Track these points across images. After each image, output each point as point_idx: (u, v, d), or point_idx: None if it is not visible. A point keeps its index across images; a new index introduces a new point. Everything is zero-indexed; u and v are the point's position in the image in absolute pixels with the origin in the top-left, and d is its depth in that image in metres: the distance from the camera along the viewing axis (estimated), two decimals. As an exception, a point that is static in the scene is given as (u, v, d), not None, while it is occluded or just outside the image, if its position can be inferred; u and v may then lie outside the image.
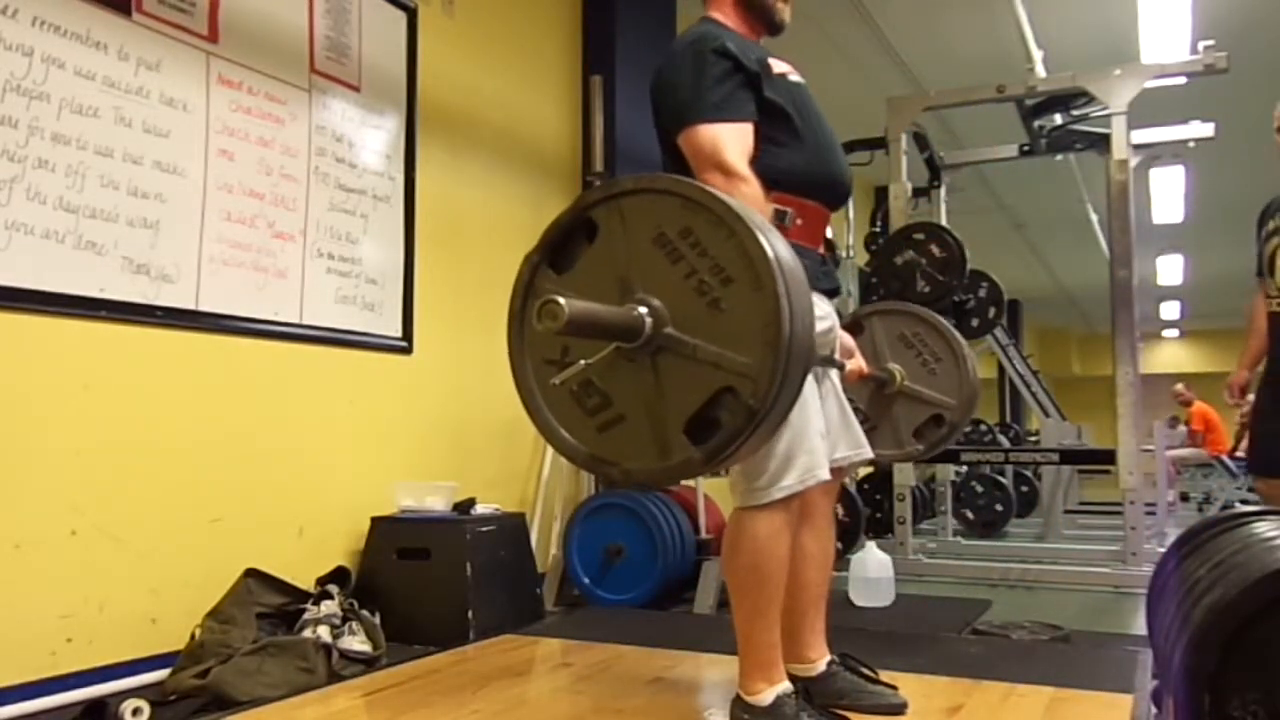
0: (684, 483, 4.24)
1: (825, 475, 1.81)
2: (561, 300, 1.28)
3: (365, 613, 2.81)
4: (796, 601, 1.92)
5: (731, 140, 1.76)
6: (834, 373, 2.01)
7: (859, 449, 2.03)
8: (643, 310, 1.40)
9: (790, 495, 1.74)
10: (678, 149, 1.83)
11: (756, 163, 1.80)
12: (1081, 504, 7.92)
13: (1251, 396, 3.23)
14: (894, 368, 2.49)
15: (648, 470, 1.46)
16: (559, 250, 1.52)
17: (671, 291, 1.40)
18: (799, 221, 1.84)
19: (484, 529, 3.16)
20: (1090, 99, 4.27)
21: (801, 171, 1.86)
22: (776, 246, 1.36)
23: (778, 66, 1.90)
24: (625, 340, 1.41)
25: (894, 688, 1.99)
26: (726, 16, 1.98)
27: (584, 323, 1.34)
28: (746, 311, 1.34)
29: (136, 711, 2.18)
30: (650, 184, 1.46)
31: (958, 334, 2.52)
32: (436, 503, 3.23)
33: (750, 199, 1.71)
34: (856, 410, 2.13)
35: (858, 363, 2.17)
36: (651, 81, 1.92)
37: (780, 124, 1.85)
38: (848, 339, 2.19)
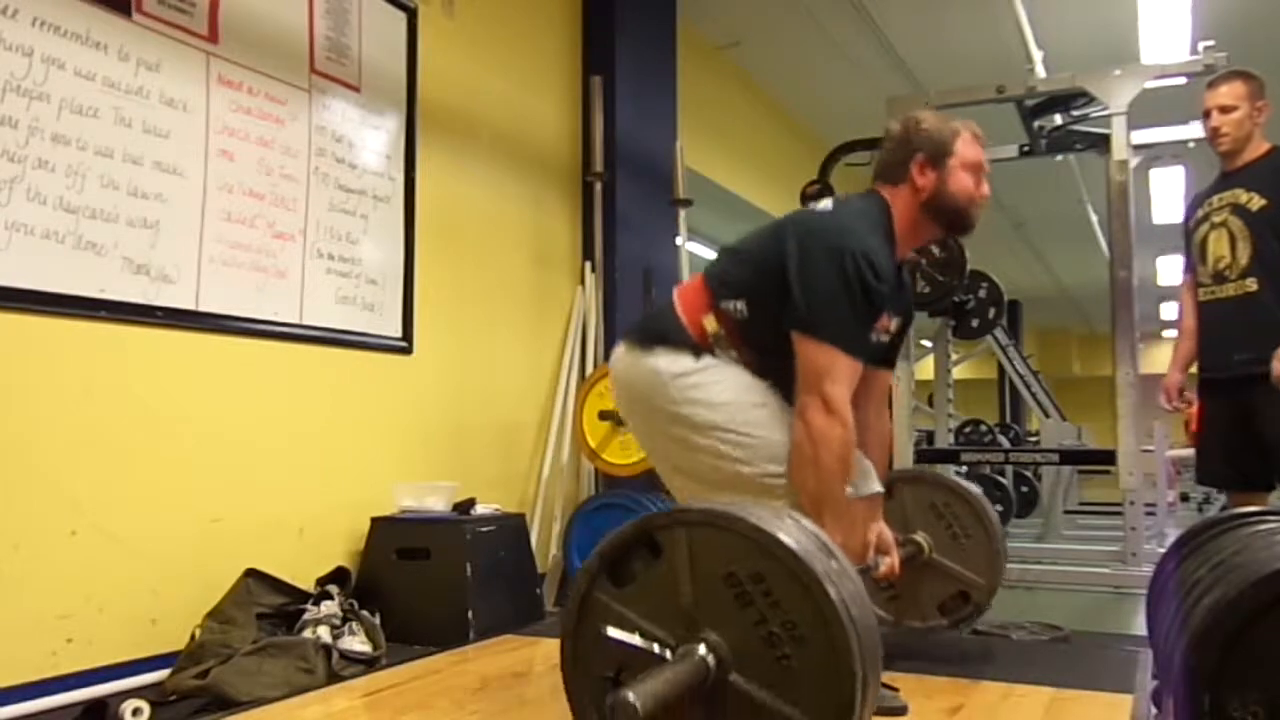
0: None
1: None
2: (634, 699, 1.17)
3: (365, 613, 2.81)
4: None
5: (846, 376, 1.78)
6: None
7: None
8: (707, 654, 1.29)
9: None
10: (778, 282, 1.84)
11: (753, 345, 1.88)
12: (1081, 504, 7.93)
13: (1190, 395, 3.24)
14: (922, 539, 2.42)
15: None
16: (618, 563, 1.40)
17: (739, 635, 1.29)
18: None
19: (484, 529, 3.16)
20: (1090, 99, 4.27)
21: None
22: (852, 607, 1.26)
23: (883, 322, 1.94)
24: (691, 689, 1.29)
25: (894, 688, 1.98)
26: (898, 207, 1.95)
27: (657, 703, 1.22)
28: (819, 674, 1.24)
29: (136, 712, 2.19)
30: (722, 520, 1.34)
31: (990, 510, 2.44)
32: (436, 503, 3.23)
33: (840, 441, 1.76)
34: (883, 580, 2.11)
35: (890, 564, 2.10)
36: (802, 233, 1.87)
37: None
38: (887, 535, 2.12)
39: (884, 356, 2.09)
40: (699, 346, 1.90)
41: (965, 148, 1.97)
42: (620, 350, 2.02)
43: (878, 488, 2.10)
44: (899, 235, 1.96)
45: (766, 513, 1.35)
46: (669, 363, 1.90)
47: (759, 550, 1.28)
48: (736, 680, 1.29)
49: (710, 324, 1.91)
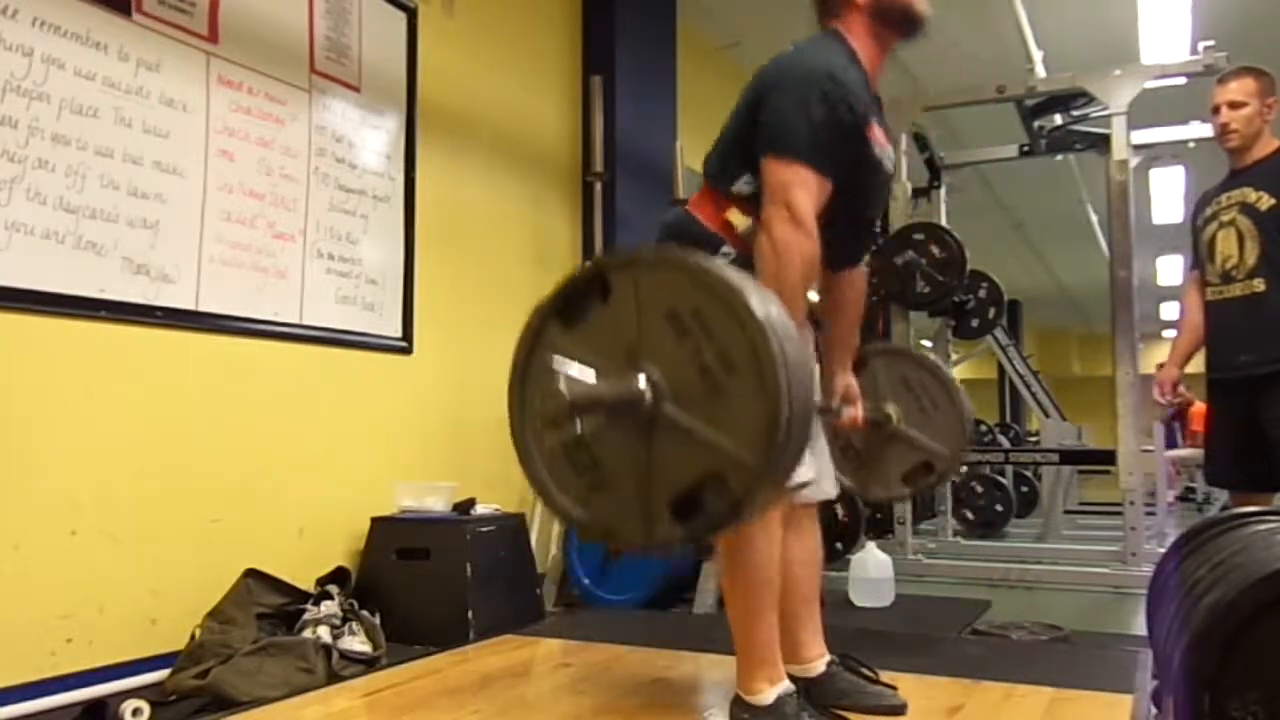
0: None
1: (828, 493, 1.87)
2: (562, 386, 1.32)
3: (365, 613, 2.81)
4: (787, 602, 1.92)
5: (811, 187, 1.74)
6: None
7: (829, 489, 2.03)
8: (644, 384, 1.40)
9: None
10: (754, 130, 1.82)
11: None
12: (1081, 504, 7.93)
13: (1188, 393, 3.24)
14: (891, 409, 2.48)
15: (629, 539, 1.47)
16: (571, 304, 1.52)
17: (676, 367, 1.39)
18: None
19: (484, 529, 3.16)
20: (1090, 99, 4.27)
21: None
22: (784, 342, 1.34)
23: (877, 136, 1.88)
24: (624, 412, 1.41)
25: (894, 688, 1.98)
26: (855, 34, 1.93)
27: (586, 405, 1.37)
28: (746, 403, 1.33)
29: (136, 712, 2.19)
30: (670, 260, 1.47)
31: (959, 386, 2.51)
32: (436, 503, 3.23)
33: (803, 251, 1.71)
34: (849, 447, 2.14)
35: (854, 413, 2.14)
36: (758, 84, 1.86)
37: (854, 178, 1.83)
38: (854, 386, 2.15)
39: (881, 188, 2.02)
40: (740, 262, 1.80)
41: None
42: None
43: (831, 492, 2.08)
44: (865, 60, 1.93)
45: (713, 260, 1.47)
46: None
47: (700, 286, 1.38)
48: (670, 410, 1.39)
49: (737, 219, 1.86)
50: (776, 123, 1.79)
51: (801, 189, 1.73)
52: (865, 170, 1.86)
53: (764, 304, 1.36)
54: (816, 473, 1.95)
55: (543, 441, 1.50)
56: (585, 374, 1.43)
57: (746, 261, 1.80)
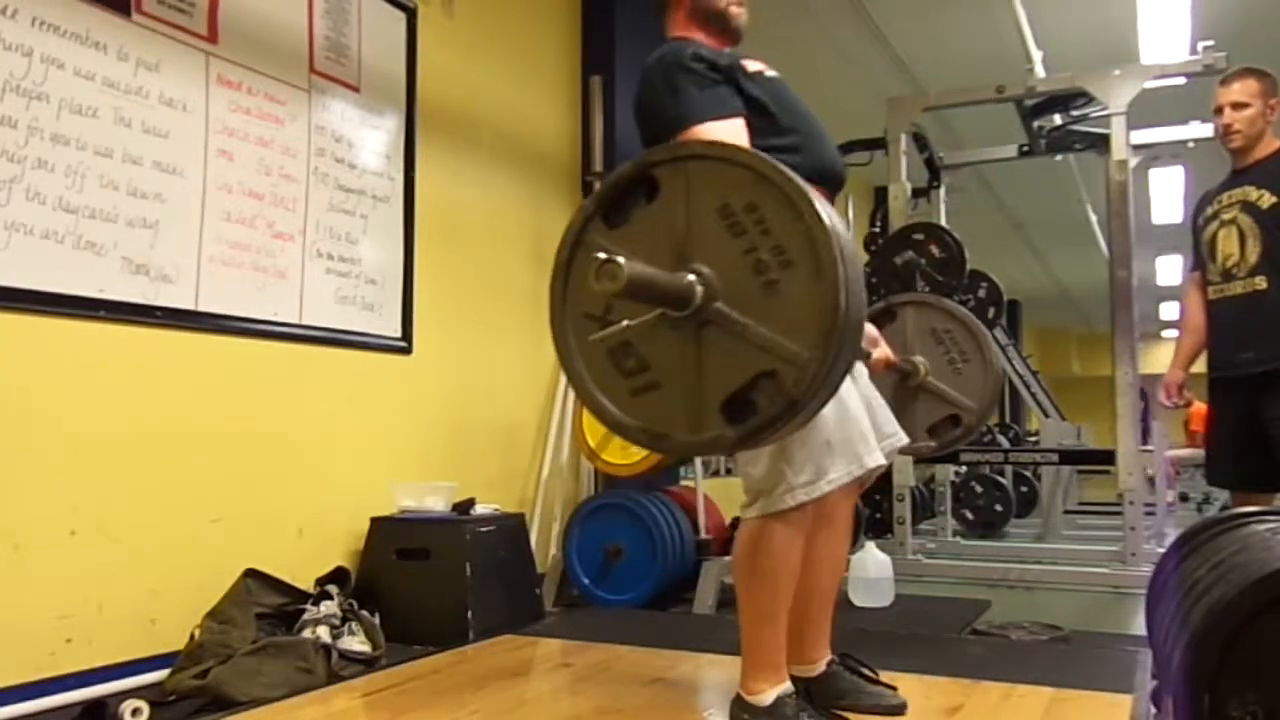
0: (684, 483, 4.24)
1: (877, 460, 1.83)
2: (622, 260, 1.24)
3: (365, 613, 2.81)
4: (806, 605, 1.91)
5: (731, 137, 1.75)
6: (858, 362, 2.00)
7: (895, 435, 2.03)
8: (694, 279, 1.35)
9: (822, 496, 1.74)
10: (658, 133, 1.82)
11: None
12: (1081, 504, 7.92)
13: (1190, 394, 3.24)
14: (919, 361, 2.46)
15: (677, 441, 1.41)
16: (614, 204, 1.46)
17: (727, 265, 1.35)
18: None
19: (484, 529, 3.16)
20: (1090, 99, 4.27)
21: (799, 162, 1.84)
22: (841, 235, 1.31)
23: (751, 65, 1.90)
24: (674, 309, 1.36)
25: (894, 688, 1.98)
26: (691, 34, 1.97)
27: (641, 287, 1.30)
28: (803, 298, 1.29)
29: (136, 712, 2.18)
30: (722, 151, 1.42)
31: (990, 337, 2.49)
32: (436, 503, 3.23)
33: None
34: (875, 370, 2.13)
35: (884, 351, 2.15)
36: (635, 108, 1.90)
37: (766, 119, 1.84)
38: (872, 329, 2.16)
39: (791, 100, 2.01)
40: None
41: None
42: None
43: (903, 439, 2.08)
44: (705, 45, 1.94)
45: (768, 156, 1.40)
46: None
47: (756, 179, 1.34)
48: (721, 308, 1.35)
49: None
50: (658, 114, 1.82)
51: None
52: (762, 94, 1.86)
53: (818, 199, 1.33)
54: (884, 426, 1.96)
55: (586, 340, 1.44)
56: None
57: None
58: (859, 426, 1.81)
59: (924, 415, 2.49)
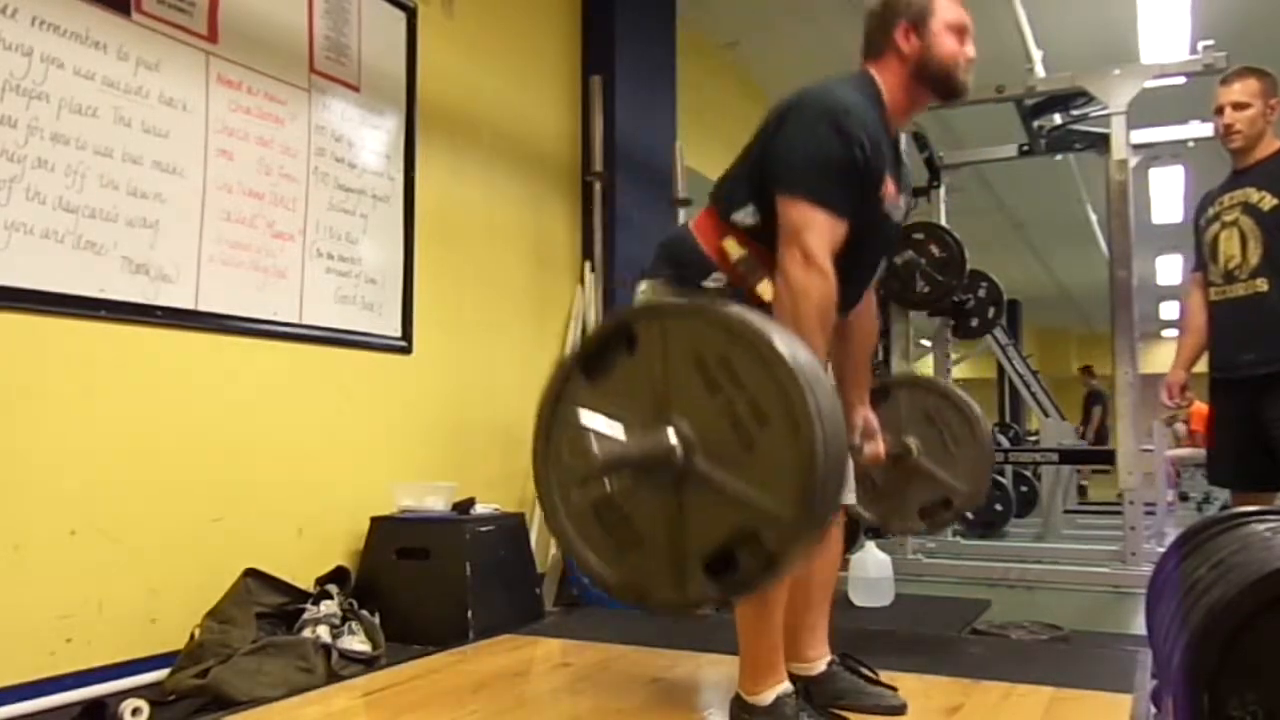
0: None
1: (849, 500, 1.89)
2: (595, 449, 1.28)
3: (365, 613, 2.81)
4: (800, 602, 1.92)
5: (825, 230, 1.74)
6: None
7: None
8: (674, 439, 1.35)
9: None
10: (766, 167, 1.81)
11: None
12: (1081, 503, 7.92)
13: (1191, 394, 3.24)
14: (912, 442, 2.43)
15: (661, 599, 1.41)
16: (595, 357, 1.46)
17: (706, 420, 1.34)
18: None
19: (484, 529, 3.16)
20: (1090, 99, 4.27)
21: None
22: (818, 390, 1.29)
23: (890, 190, 1.88)
24: (654, 468, 1.36)
25: (894, 688, 1.99)
26: (887, 80, 1.92)
27: (616, 465, 1.33)
28: (780, 455, 1.28)
29: (136, 711, 2.18)
30: (696, 309, 1.42)
31: (984, 421, 2.46)
32: (436, 503, 3.23)
33: (819, 294, 1.71)
34: (867, 477, 2.12)
35: (876, 448, 2.12)
36: (774, 118, 1.84)
37: (845, 246, 1.81)
38: (873, 420, 2.14)
39: (889, 238, 2.03)
40: (728, 291, 1.83)
41: (945, 9, 1.92)
42: (644, 287, 1.98)
43: (850, 499, 2.07)
44: (891, 106, 1.91)
45: (741, 307, 1.41)
46: None
47: (727, 333, 1.33)
48: (701, 464, 1.34)
49: (732, 248, 1.85)
50: (791, 159, 1.77)
51: (815, 231, 1.72)
52: (872, 216, 1.84)
53: (793, 350, 1.31)
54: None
55: (570, 498, 1.44)
56: (613, 428, 1.37)
57: (736, 292, 1.82)
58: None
59: (916, 496, 2.47)
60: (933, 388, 2.55)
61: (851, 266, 1.83)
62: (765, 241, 1.81)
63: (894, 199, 1.91)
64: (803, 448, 1.26)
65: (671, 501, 1.36)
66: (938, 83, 1.92)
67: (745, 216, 1.85)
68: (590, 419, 1.37)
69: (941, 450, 2.44)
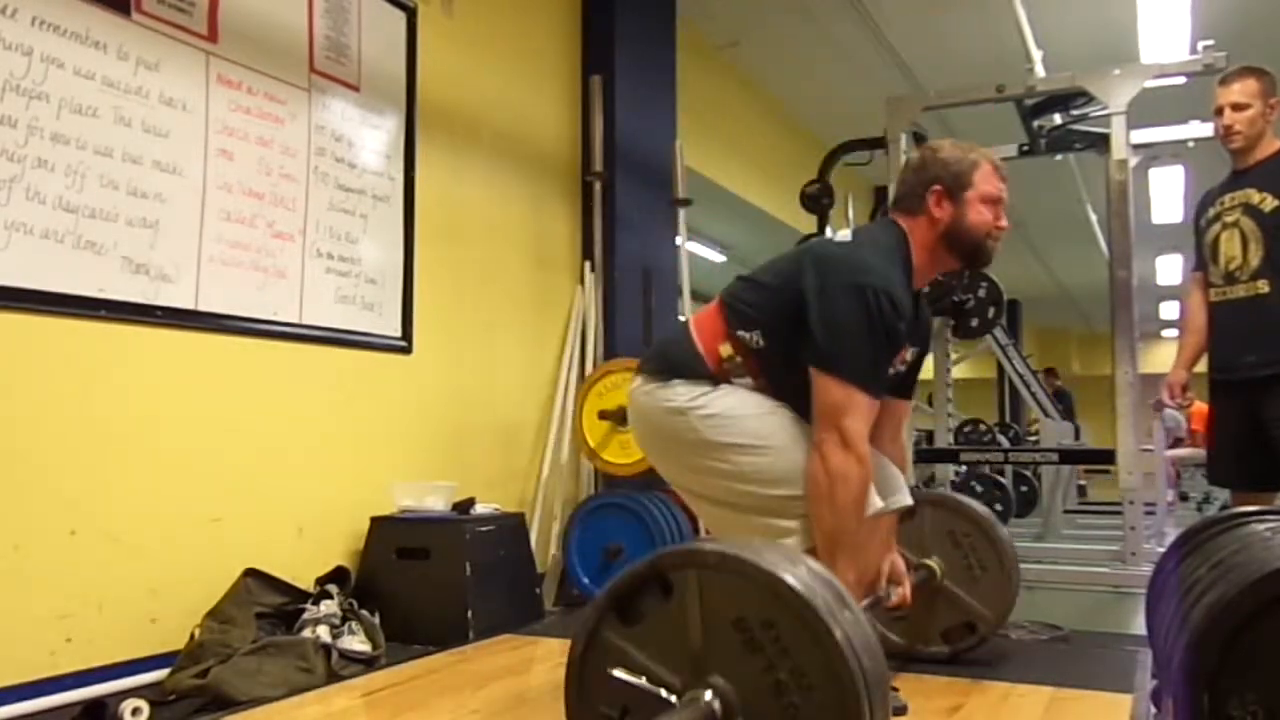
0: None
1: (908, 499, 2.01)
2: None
3: (365, 612, 2.81)
4: None
5: (865, 413, 1.78)
6: None
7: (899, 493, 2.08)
8: (713, 700, 1.28)
9: None
10: (794, 314, 1.85)
11: (771, 378, 1.88)
12: (1081, 503, 7.92)
13: (1191, 394, 3.24)
14: (935, 563, 2.40)
15: None
16: (628, 600, 1.39)
17: (746, 682, 1.27)
18: None
19: (483, 529, 3.16)
20: (1090, 99, 4.27)
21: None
22: (865, 661, 1.23)
23: (905, 354, 1.95)
24: None
25: (894, 688, 1.98)
26: (917, 237, 1.95)
27: None
28: None
29: (136, 711, 2.18)
30: (736, 564, 1.32)
31: (1009, 545, 2.41)
32: (436, 503, 3.23)
33: (858, 479, 1.76)
34: (894, 610, 2.13)
35: (903, 593, 2.11)
36: (820, 267, 1.86)
37: None
38: (899, 564, 2.13)
39: (901, 384, 2.08)
40: (715, 377, 1.91)
41: (984, 181, 1.94)
42: (638, 382, 2.02)
43: (907, 500, 2.10)
44: (916, 266, 1.95)
45: (780, 556, 1.33)
46: (686, 394, 1.90)
47: (771, 596, 1.26)
48: None
49: (726, 350, 1.92)
50: (832, 339, 1.80)
51: (855, 413, 1.76)
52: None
53: (839, 613, 1.25)
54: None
55: None
56: (649, 688, 1.31)
57: (723, 379, 1.92)
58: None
59: (939, 618, 2.42)
60: (960, 510, 2.47)
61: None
62: (762, 362, 1.90)
63: (902, 359, 1.97)
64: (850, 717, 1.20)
65: None
66: (965, 251, 1.96)
67: (751, 339, 1.91)
68: (625, 676, 1.32)
69: (965, 572, 2.39)
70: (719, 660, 1.29)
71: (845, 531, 1.76)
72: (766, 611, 1.26)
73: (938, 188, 1.93)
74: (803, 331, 1.83)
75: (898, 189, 2.02)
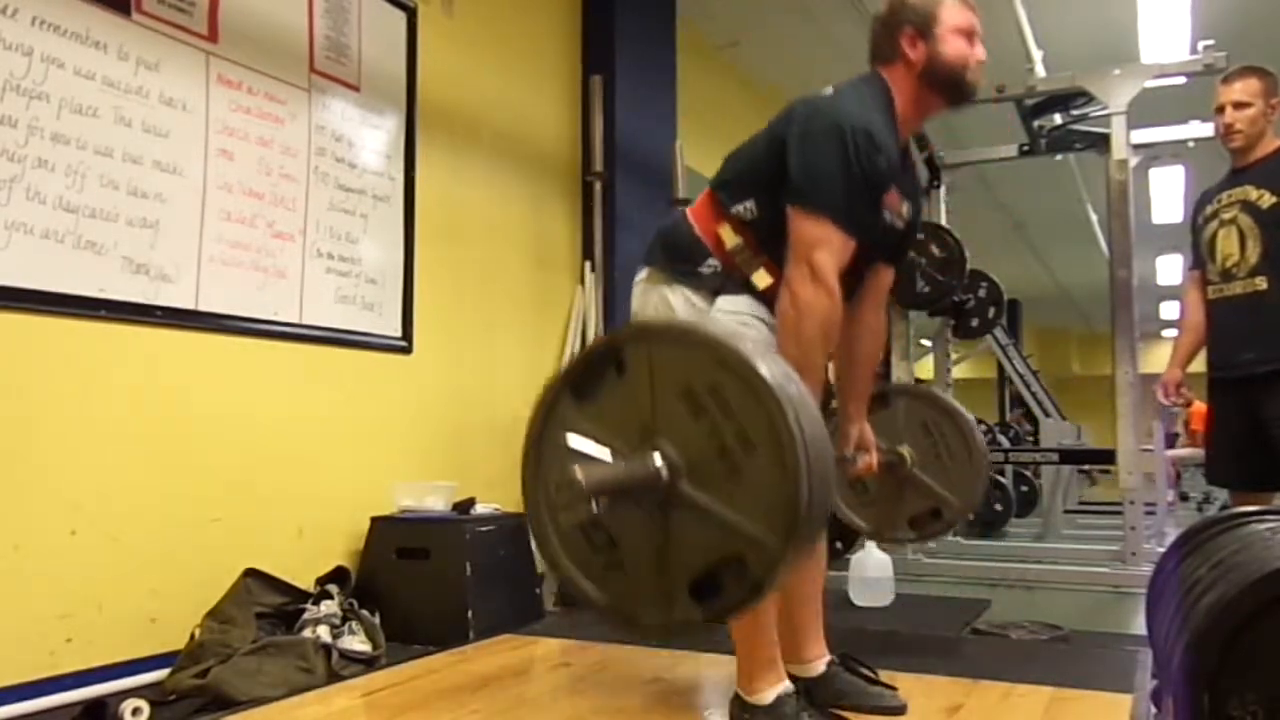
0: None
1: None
2: (580, 476, 1.29)
3: (365, 612, 2.81)
4: (788, 600, 1.92)
5: (837, 248, 1.75)
6: None
7: None
8: (660, 463, 1.35)
9: None
10: (776, 171, 1.81)
11: (773, 249, 1.80)
12: (1081, 503, 7.92)
13: (1189, 393, 3.24)
14: (907, 451, 2.44)
15: (647, 622, 1.43)
16: (584, 378, 1.47)
17: (692, 445, 1.35)
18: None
19: (484, 529, 3.16)
20: (1090, 99, 4.27)
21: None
22: (805, 418, 1.30)
23: (890, 203, 1.89)
24: (643, 494, 1.37)
25: (894, 688, 1.99)
26: (898, 84, 1.92)
27: (603, 490, 1.34)
28: (766, 482, 1.29)
29: (136, 711, 2.18)
30: (684, 334, 1.42)
31: (979, 436, 2.47)
32: (436, 503, 3.23)
33: (824, 312, 1.73)
34: (859, 483, 2.14)
35: (868, 461, 2.13)
36: (794, 115, 1.84)
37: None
38: (868, 433, 2.15)
39: (895, 247, 2.04)
40: (721, 276, 1.85)
41: (951, 14, 1.92)
42: (643, 274, 1.97)
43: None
44: (901, 113, 1.92)
45: (729, 332, 1.41)
46: (685, 304, 1.86)
47: (717, 362, 1.33)
48: (686, 489, 1.35)
49: (728, 236, 1.86)
50: (808, 174, 1.77)
51: (827, 248, 1.73)
52: (869, 228, 1.85)
53: (782, 378, 1.31)
54: None
55: (558, 520, 1.46)
56: (600, 451, 1.39)
57: (728, 276, 1.84)
58: None
59: (908, 506, 2.48)
60: (933, 400, 2.55)
61: (852, 271, 1.83)
62: (760, 232, 1.84)
63: (895, 208, 1.92)
64: (788, 477, 1.26)
65: (657, 526, 1.37)
66: (946, 87, 1.92)
67: (744, 211, 1.86)
68: (578, 442, 1.39)
69: (936, 462, 2.45)
70: (667, 428, 1.37)
71: (810, 367, 1.70)
72: (713, 377, 1.34)
73: (908, 30, 1.92)
74: (785, 178, 1.80)
75: (871, 43, 1.99)
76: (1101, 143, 4.34)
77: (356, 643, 2.69)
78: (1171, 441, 8.45)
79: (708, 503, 1.33)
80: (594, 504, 1.37)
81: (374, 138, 3.37)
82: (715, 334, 1.38)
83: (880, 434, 2.21)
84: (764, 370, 1.30)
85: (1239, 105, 2.97)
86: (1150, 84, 3.97)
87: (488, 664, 2.48)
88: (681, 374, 1.36)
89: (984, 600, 3.65)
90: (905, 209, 1.98)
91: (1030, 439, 7.78)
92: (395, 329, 3.42)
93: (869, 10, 5.32)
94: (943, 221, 5.00)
